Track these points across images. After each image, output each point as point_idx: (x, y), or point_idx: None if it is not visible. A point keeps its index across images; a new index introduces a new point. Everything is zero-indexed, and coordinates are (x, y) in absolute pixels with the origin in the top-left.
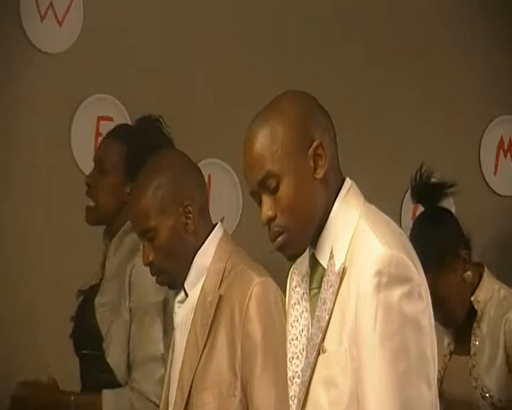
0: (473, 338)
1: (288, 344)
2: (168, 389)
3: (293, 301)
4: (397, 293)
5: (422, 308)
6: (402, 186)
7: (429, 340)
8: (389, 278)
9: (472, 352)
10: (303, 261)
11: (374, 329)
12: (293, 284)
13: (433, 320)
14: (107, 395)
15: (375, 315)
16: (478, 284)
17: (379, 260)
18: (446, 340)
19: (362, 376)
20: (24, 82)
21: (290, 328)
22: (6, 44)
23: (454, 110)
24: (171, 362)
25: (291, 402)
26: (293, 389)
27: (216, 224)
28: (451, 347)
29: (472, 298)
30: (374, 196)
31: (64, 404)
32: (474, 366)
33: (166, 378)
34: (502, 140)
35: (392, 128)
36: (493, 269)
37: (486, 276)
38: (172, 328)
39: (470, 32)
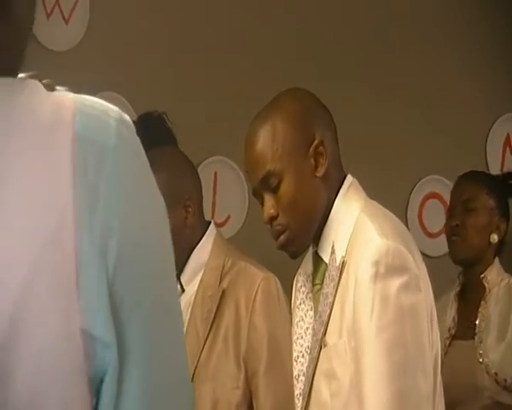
0: (479, 315)
1: (294, 344)
2: None
3: (298, 302)
4: (394, 284)
5: (420, 299)
6: (408, 184)
7: (425, 329)
8: (386, 269)
9: (477, 329)
10: (308, 261)
11: (370, 319)
12: (299, 284)
13: (434, 311)
14: None
15: (371, 305)
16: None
17: (377, 250)
18: (447, 324)
19: (359, 365)
20: None
21: (296, 328)
22: None
23: (460, 108)
24: None
25: (296, 400)
26: (299, 387)
27: (209, 222)
28: (452, 331)
29: (482, 275)
30: (379, 193)
31: None
32: (480, 342)
33: None
34: (508, 137)
35: (398, 126)
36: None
37: (497, 262)
38: None
39: (475, 30)
